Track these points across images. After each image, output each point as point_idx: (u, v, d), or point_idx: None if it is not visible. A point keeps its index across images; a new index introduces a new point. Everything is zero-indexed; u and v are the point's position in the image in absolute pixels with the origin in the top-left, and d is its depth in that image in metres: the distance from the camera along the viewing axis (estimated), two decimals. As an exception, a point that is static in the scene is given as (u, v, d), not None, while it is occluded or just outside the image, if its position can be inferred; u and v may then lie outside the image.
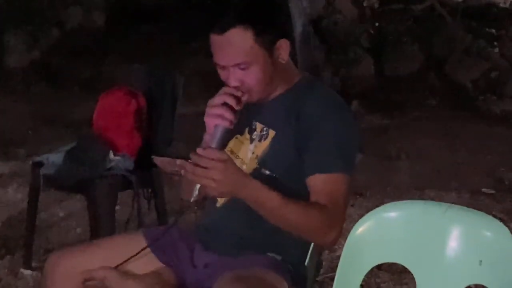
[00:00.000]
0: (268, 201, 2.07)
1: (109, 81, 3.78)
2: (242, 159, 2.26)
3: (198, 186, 2.04)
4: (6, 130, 6.23)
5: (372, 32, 7.59)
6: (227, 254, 2.25)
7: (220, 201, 2.30)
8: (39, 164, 3.49)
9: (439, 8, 7.56)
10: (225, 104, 2.14)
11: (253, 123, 2.27)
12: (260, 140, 2.25)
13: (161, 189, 3.65)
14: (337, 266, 2.07)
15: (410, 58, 7.36)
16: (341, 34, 7.47)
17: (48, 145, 4.80)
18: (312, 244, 2.24)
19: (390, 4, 7.79)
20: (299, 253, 2.25)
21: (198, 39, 8.51)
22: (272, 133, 2.23)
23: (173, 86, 3.66)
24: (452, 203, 2.10)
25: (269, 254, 2.23)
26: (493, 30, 7.66)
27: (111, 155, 3.42)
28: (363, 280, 2.08)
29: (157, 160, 2.07)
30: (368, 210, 2.14)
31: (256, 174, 2.18)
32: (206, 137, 2.19)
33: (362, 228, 2.03)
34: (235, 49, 2.14)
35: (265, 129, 2.25)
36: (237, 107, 2.15)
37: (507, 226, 1.97)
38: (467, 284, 1.98)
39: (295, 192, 2.13)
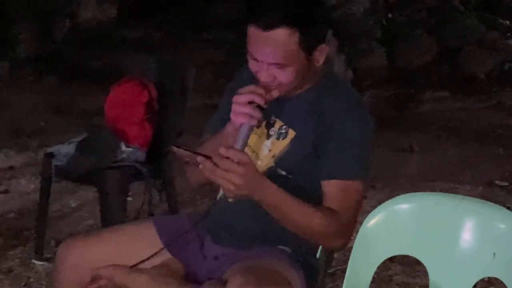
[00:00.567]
0: (282, 205, 2.05)
1: (121, 72, 3.76)
2: (256, 154, 2.23)
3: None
4: (18, 121, 6.24)
5: (384, 23, 7.55)
6: (237, 247, 2.24)
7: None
8: (51, 155, 3.50)
9: (451, 0, 7.52)
10: (252, 102, 2.08)
11: (272, 117, 2.22)
12: (278, 138, 2.21)
13: (172, 180, 3.64)
14: (349, 258, 2.06)
15: (422, 50, 7.32)
16: (353, 25, 7.44)
17: (61, 136, 4.80)
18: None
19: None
20: (310, 245, 2.23)
21: (210, 30, 8.50)
22: (292, 133, 2.20)
23: (184, 77, 3.65)
24: (465, 195, 2.09)
25: (280, 246, 2.22)
26: (507, 22, 7.61)
27: (123, 146, 3.42)
28: (375, 272, 2.07)
29: (176, 150, 2.03)
30: (380, 202, 2.13)
31: (271, 172, 2.16)
32: (229, 128, 2.13)
33: (374, 221, 2.02)
34: (277, 49, 2.08)
35: (284, 127, 2.21)
36: (264, 106, 2.10)
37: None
38: (480, 277, 1.96)
39: (309, 194, 2.11)
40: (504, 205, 2.30)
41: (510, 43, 7.48)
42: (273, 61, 2.10)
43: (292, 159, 2.18)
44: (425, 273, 2.02)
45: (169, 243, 2.25)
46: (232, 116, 2.10)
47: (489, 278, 1.99)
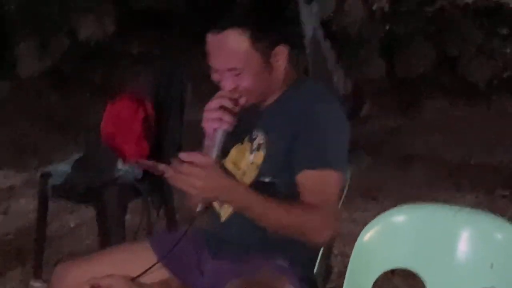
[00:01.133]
0: (255, 205, 2.04)
1: (120, 86, 3.76)
2: (244, 170, 2.22)
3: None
4: (18, 140, 6.23)
5: (382, 33, 7.53)
6: (235, 261, 2.22)
7: (223, 217, 2.26)
8: (48, 175, 3.48)
9: (450, 9, 7.49)
10: (222, 107, 2.11)
11: (253, 131, 2.23)
12: (259, 149, 2.21)
13: (171, 197, 3.62)
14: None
15: (421, 58, 7.29)
16: (351, 36, 7.42)
17: (62, 153, 4.79)
18: (322, 249, 2.21)
19: (401, 6, 7.73)
20: (308, 259, 2.22)
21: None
22: (267, 139, 2.20)
23: (181, 91, 3.64)
24: (467, 204, 2.07)
25: (277, 261, 2.20)
26: (505, 30, 7.60)
27: (120, 163, 3.40)
28: (377, 285, 2.04)
29: (141, 162, 2.06)
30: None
31: (257, 183, 2.15)
32: (206, 142, 2.14)
33: (370, 234, 2.00)
34: (230, 52, 2.10)
35: (263, 136, 2.21)
36: (235, 109, 2.12)
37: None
38: (478, 288, 1.94)
39: (296, 196, 2.09)
40: (505, 215, 2.28)
41: (509, 51, 7.46)
42: (229, 66, 2.11)
43: (271, 163, 2.17)
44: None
45: (165, 256, 2.24)
46: (204, 124, 2.12)
47: (487, 288, 1.96)
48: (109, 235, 3.35)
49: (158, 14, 8.67)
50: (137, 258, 2.25)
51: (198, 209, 2.05)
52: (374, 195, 4.81)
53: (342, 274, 3.25)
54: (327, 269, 2.32)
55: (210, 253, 2.29)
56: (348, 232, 2.52)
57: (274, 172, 2.16)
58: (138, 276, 2.22)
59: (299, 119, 2.13)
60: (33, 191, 4.81)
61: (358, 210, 4.42)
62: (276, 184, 2.15)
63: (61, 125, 6.63)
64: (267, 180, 2.16)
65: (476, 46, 7.32)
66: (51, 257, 3.84)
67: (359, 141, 5.78)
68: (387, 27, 7.57)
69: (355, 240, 2.07)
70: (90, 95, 7.45)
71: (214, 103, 2.12)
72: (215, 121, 2.09)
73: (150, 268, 2.21)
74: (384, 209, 2.06)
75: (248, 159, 2.22)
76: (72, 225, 4.40)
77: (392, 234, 1.99)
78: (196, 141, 2.49)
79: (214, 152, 2.07)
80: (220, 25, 2.11)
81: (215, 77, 2.16)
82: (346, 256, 3.51)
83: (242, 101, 2.13)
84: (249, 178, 2.20)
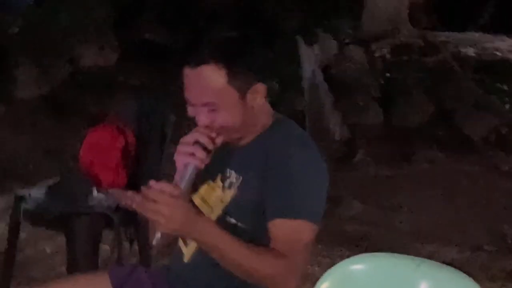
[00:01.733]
0: (220, 244, 1.98)
1: (104, 114, 3.73)
2: (211, 207, 2.17)
3: (159, 233, 1.96)
4: (6, 163, 6.19)
5: (382, 81, 7.53)
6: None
7: (187, 257, 2.20)
8: (21, 199, 3.42)
9: (451, 61, 7.50)
10: (197, 142, 2.05)
11: (226, 170, 2.17)
12: (229, 187, 2.15)
13: (145, 229, 3.54)
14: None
15: (419, 109, 7.27)
16: (350, 82, 7.42)
17: (48, 179, 4.73)
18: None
19: (402, 55, 7.74)
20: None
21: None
22: (239, 180, 2.14)
23: (162, 122, 3.60)
24: (452, 258, 2.00)
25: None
26: (505, 86, 7.59)
27: (95, 191, 3.35)
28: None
29: (112, 192, 2.01)
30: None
31: (220, 221, 2.09)
32: (176, 176, 2.08)
33: (327, 283, 1.92)
34: (205, 88, 2.05)
35: (235, 176, 2.15)
36: (209, 147, 2.06)
37: (506, 286, 1.86)
38: None
39: (260, 242, 2.03)
40: (489, 271, 2.21)
41: (507, 107, 7.44)
42: (204, 100, 2.05)
43: (239, 205, 2.11)
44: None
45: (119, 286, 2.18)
46: (176, 157, 2.07)
47: None
48: (77, 265, 3.28)
49: (159, 46, 8.69)
50: (94, 288, 2.19)
51: (154, 242, 1.98)
52: (357, 243, 4.74)
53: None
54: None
55: (171, 291, 2.22)
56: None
57: (240, 214, 2.11)
58: None
59: (273, 163, 2.07)
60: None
61: (341, 257, 4.36)
62: (240, 227, 2.09)
63: (51, 151, 6.59)
64: (232, 221, 2.10)
65: (474, 100, 7.30)
66: (22, 283, 3.77)
67: (349, 187, 5.74)
68: (387, 75, 7.57)
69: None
70: (85, 124, 7.41)
71: (189, 137, 2.07)
72: (187, 155, 2.04)
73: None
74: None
75: (217, 196, 2.16)
76: (48, 251, 4.34)
77: (349, 285, 1.91)
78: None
79: (182, 186, 2.02)
80: (195, 60, 2.06)
81: (190, 111, 2.10)
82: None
83: (219, 140, 2.08)
84: (215, 215, 2.14)
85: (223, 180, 2.17)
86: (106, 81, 8.49)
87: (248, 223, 2.09)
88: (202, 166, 2.06)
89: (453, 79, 7.50)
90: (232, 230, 2.03)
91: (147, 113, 3.67)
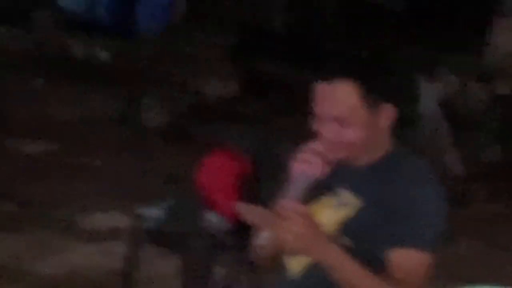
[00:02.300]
0: (344, 268, 2.01)
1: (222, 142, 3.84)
2: (322, 225, 2.20)
3: (266, 234, 2.00)
4: (127, 184, 6.39)
5: (502, 119, 7.39)
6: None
7: (295, 274, 2.21)
8: (141, 218, 3.57)
9: None
10: (317, 152, 2.08)
11: (338, 188, 2.18)
12: (343, 208, 2.16)
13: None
14: None
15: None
16: (470, 119, 7.32)
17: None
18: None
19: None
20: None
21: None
22: (356, 202, 2.14)
23: (278, 154, 3.67)
24: None
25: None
26: None
27: (211, 215, 3.46)
28: None
29: (241, 206, 2.05)
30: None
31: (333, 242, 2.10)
32: (289, 185, 2.09)
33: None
34: (338, 102, 2.07)
35: (349, 196, 2.16)
36: (329, 159, 2.08)
37: None
38: None
39: (373, 266, 2.05)
40: None
41: None
42: (335, 113, 2.08)
43: (358, 228, 2.12)
44: None
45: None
46: (293, 164, 2.08)
47: None
48: (192, 286, 3.39)
49: (281, 79, 8.81)
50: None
51: (262, 241, 2.03)
52: (463, 282, 4.65)
53: None
54: None
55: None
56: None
57: (357, 237, 2.11)
58: None
59: (398, 191, 2.08)
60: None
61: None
62: (354, 249, 2.09)
63: (171, 176, 6.76)
64: (347, 243, 2.11)
65: None
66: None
67: (463, 224, 5.64)
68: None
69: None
70: (203, 151, 7.58)
71: (310, 146, 2.10)
72: (305, 163, 2.06)
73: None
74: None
75: (327, 214, 2.17)
76: (164, 272, 4.45)
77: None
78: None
79: (295, 195, 2.03)
80: (330, 75, 2.09)
81: (316, 125, 2.12)
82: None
83: (340, 155, 2.10)
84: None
85: (336, 199, 2.18)
86: (226, 112, 8.68)
87: (362, 246, 2.10)
88: (318, 176, 2.07)
89: None
90: (345, 250, 2.04)
91: (264, 143, 3.76)
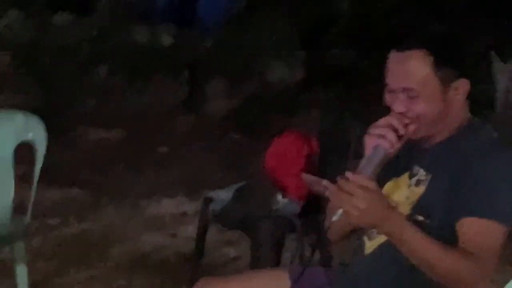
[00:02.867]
0: (412, 240, 1.98)
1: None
2: (396, 203, 2.16)
3: (341, 210, 1.97)
4: (195, 171, 6.43)
5: None
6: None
7: (368, 249, 2.22)
8: (209, 200, 3.58)
9: None
10: (390, 126, 2.06)
11: (414, 167, 2.17)
12: (417, 185, 2.14)
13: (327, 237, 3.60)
14: None
15: None
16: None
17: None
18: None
19: None
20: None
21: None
22: (428, 178, 2.12)
23: (347, 138, 3.63)
24: None
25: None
26: None
27: (279, 197, 3.45)
28: None
29: (305, 177, 2.05)
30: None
31: (408, 220, 2.07)
32: (363, 160, 2.08)
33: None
34: (409, 73, 2.05)
35: (424, 175, 2.14)
36: (401, 131, 2.06)
37: None
38: None
39: (448, 238, 2.02)
40: None
41: None
42: (405, 85, 2.05)
43: (429, 202, 2.10)
44: None
45: (297, 281, 2.23)
46: (366, 138, 2.07)
47: None
48: (261, 267, 3.38)
49: (345, 63, 8.74)
50: (273, 284, 2.27)
51: (334, 218, 1.99)
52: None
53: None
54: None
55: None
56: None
57: (429, 212, 2.09)
58: None
59: (472, 164, 2.05)
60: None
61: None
62: (428, 225, 2.07)
63: (237, 162, 6.77)
64: (420, 218, 2.09)
65: None
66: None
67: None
68: None
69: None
70: (269, 137, 7.58)
71: (382, 120, 2.08)
72: (378, 137, 2.05)
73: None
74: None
75: (403, 193, 2.17)
76: (231, 256, 4.47)
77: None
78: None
79: (368, 168, 2.02)
80: (406, 44, 2.08)
81: (387, 99, 2.11)
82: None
83: (411, 128, 2.07)
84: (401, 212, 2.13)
85: (410, 177, 2.16)
86: (292, 97, 8.65)
87: (435, 221, 2.08)
88: (392, 150, 2.05)
89: None
90: (420, 227, 2.02)
91: (331, 127, 3.74)
